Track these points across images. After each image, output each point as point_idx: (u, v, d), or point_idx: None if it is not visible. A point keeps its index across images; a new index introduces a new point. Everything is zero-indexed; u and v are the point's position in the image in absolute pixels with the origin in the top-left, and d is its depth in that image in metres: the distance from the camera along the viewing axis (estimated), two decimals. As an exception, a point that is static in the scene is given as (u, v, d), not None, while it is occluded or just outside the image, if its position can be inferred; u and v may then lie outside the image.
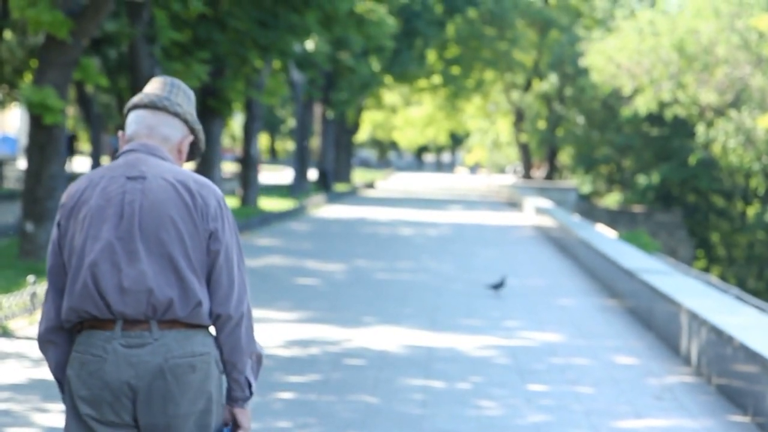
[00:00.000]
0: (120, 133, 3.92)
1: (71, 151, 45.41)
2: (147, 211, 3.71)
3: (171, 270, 3.69)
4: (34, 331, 11.01)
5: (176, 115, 3.89)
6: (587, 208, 51.70)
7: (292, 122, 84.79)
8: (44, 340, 3.82)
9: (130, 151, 3.84)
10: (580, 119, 56.97)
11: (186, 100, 3.93)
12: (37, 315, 11.72)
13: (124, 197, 3.73)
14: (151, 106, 3.88)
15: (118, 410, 3.68)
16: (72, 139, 46.03)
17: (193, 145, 3.98)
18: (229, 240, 3.76)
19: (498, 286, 15.18)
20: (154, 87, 3.92)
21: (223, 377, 3.83)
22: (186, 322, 3.71)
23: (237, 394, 3.81)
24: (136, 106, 3.89)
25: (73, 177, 37.33)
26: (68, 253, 3.76)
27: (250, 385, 3.82)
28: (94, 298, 3.68)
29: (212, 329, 3.82)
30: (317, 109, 50.16)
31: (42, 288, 12.00)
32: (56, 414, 7.77)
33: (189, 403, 3.69)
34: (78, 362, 3.71)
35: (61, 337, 3.81)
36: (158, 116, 3.88)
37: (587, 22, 57.30)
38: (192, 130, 3.94)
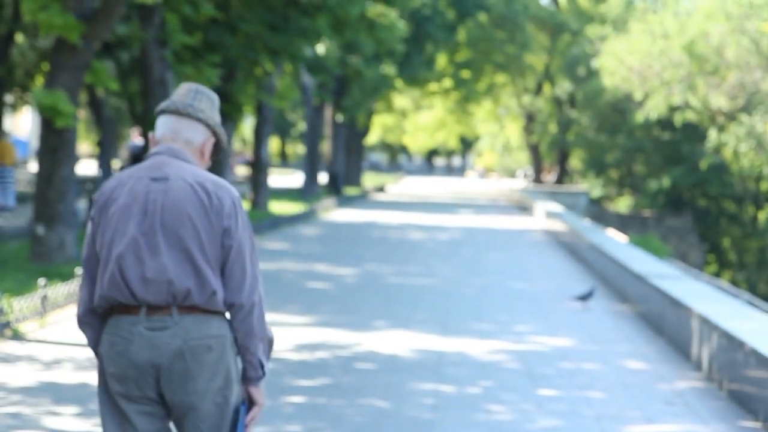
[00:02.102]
0: (151, 134, 4.32)
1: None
2: (168, 210, 4.10)
3: (188, 262, 4.07)
4: (45, 334, 11.04)
5: (198, 120, 4.27)
6: (598, 212, 51.66)
7: (302, 126, 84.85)
8: (83, 322, 4.25)
9: (156, 154, 4.23)
10: (592, 123, 56.87)
11: (209, 105, 4.31)
12: (48, 318, 11.76)
13: (148, 196, 4.11)
14: (176, 112, 4.27)
15: (142, 386, 4.06)
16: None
17: (216, 145, 4.35)
18: (242, 236, 4.15)
19: (586, 297, 14.69)
20: (179, 94, 4.30)
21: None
22: (204, 308, 4.09)
23: (251, 374, 4.19)
24: (163, 112, 4.30)
25: (85, 181, 37.37)
26: (99, 245, 4.16)
27: (262, 366, 4.19)
28: (121, 287, 4.07)
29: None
30: (328, 113, 50.17)
31: (53, 291, 12.04)
32: (66, 417, 7.78)
33: (207, 381, 4.07)
34: (108, 343, 4.11)
35: (96, 318, 4.23)
36: (182, 121, 4.27)
37: (598, 28, 57.21)
38: (214, 133, 4.31)
